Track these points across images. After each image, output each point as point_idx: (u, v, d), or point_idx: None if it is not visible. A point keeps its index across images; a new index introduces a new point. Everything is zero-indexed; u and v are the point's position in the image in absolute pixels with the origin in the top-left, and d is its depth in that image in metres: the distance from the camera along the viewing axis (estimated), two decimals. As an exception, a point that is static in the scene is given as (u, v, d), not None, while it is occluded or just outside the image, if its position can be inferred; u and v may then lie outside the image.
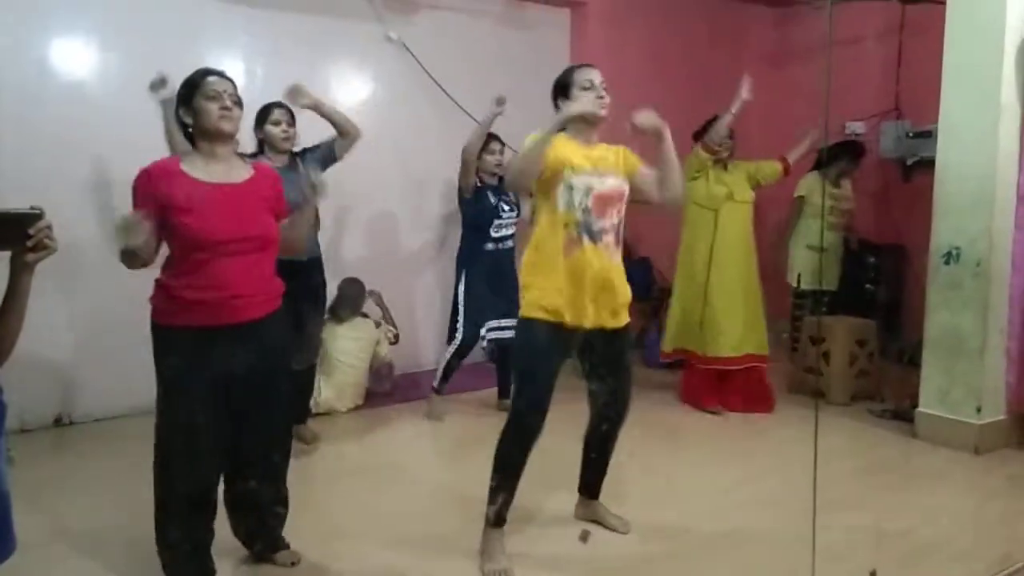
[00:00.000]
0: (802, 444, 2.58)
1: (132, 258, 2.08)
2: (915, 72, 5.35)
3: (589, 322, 2.53)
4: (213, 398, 2.20)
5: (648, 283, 5.60)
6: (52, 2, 3.88)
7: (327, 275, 3.79)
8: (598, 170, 2.54)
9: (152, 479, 2.26)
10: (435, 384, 4.18)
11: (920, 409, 3.84)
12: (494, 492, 2.57)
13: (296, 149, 3.57)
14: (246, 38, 4.43)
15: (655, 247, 5.58)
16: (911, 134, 5.31)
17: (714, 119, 4.27)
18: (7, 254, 1.52)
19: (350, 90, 4.85)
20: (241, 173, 2.26)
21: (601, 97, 2.56)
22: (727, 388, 4.30)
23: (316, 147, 3.62)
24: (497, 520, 2.58)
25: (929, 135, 4.70)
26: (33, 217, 1.50)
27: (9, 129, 3.74)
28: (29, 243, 1.49)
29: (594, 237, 2.51)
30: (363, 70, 4.88)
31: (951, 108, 3.70)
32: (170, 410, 2.21)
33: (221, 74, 2.23)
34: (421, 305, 5.20)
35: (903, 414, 4.06)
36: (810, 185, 4.92)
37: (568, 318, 2.50)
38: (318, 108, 3.53)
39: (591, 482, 2.91)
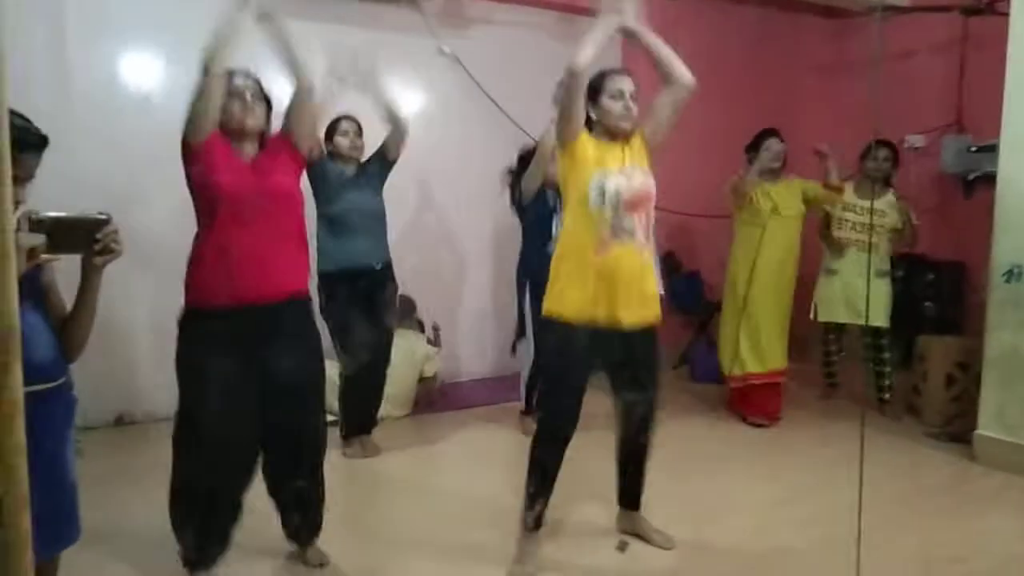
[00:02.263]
0: (855, 463, 2.54)
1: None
2: (977, 85, 5.21)
3: (623, 321, 2.53)
4: (244, 386, 2.25)
5: (696, 297, 5.54)
6: (124, 16, 4.07)
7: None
8: (626, 170, 2.54)
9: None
10: (523, 407, 4.14)
11: (978, 431, 3.73)
12: (530, 497, 2.60)
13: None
14: (306, 53, 4.55)
15: (704, 262, 5.54)
16: (973, 148, 5.16)
17: (764, 133, 4.24)
18: (78, 257, 1.61)
19: (404, 104, 4.90)
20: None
21: (628, 108, 2.56)
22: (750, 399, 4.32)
23: (371, 160, 3.71)
24: (535, 524, 2.61)
25: (991, 150, 4.54)
26: (101, 222, 1.59)
27: (83, 139, 3.92)
28: (97, 247, 1.58)
29: (625, 236, 2.51)
30: (416, 84, 4.97)
31: (1014, 122, 3.60)
32: (202, 401, 2.24)
33: (245, 72, 2.31)
34: (465, 316, 5.25)
35: (961, 436, 3.94)
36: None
37: (602, 319, 2.51)
38: (368, 86, 3.55)
39: (628, 492, 2.89)
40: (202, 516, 2.33)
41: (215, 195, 2.22)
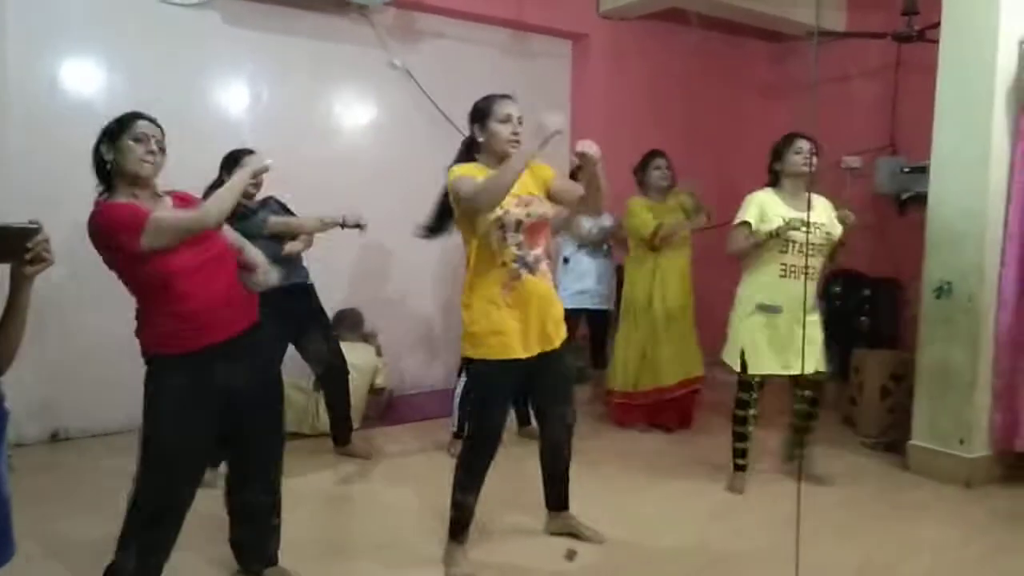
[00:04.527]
0: (792, 472, 2.62)
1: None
2: (910, 109, 5.43)
3: (538, 348, 2.64)
4: (208, 420, 2.25)
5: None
6: (63, 22, 3.98)
7: (321, 300, 3.86)
8: (523, 200, 2.59)
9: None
10: (455, 430, 4.09)
11: (911, 441, 3.86)
12: (456, 511, 2.70)
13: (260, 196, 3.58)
14: (252, 63, 4.52)
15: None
16: (906, 169, 5.37)
17: (651, 155, 4.43)
18: (6, 268, 1.57)
19: (353, 116, 4.94)
20: (166, 203, 2.29)
21: (516, 132, 2.60)
22: (660, 409, 4.46)
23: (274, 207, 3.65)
24: (461, 535, 2.71)
25: (923, 171, 4.73)
26: (31, 231, 1.55)
27: (19, 145, 3.81)
28: (28, 256, 1.54)
29: (531, 268, 2.60)
30: (367, 96, 4.96)
31: (943, 145, 3.76)
32: (165, 435, 2.23)
33: (152, 120, 2.25)
34: (409, 329, 5.24)
35: (895, 446, 4.07)
36: (760, 203, 3.41)
37: (519, 352, 2.60)
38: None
39: (556, 495, 2.98)
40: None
41: (160, 270, 2.16)
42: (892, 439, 4.18)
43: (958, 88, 3.69)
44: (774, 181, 3.49)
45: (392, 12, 4.89)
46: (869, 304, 5.64)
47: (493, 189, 2.45)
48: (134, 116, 2.23)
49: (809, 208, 3.28)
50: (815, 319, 3.46)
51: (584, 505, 3.06)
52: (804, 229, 3.24)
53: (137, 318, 2.27)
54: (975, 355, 3.64)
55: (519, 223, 2.55)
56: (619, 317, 4.56)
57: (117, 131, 2.21)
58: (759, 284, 3.42)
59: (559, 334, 2.73)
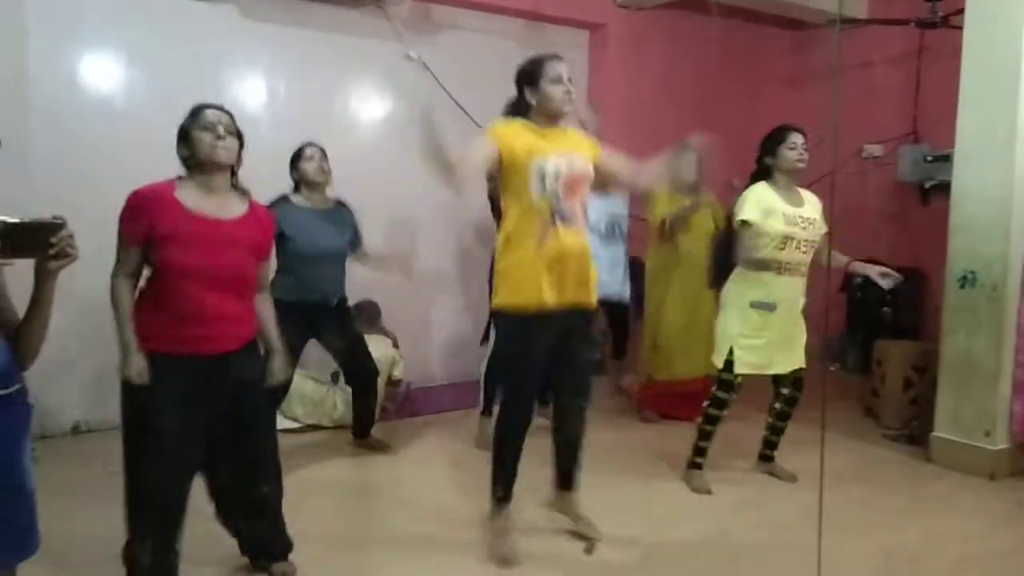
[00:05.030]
0: (814, 465, 2.59)
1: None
2: (933, 96, 5.34)
3: (571, 300, 2.61)
4: (189, 423, 2.22)
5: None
6: (83, 19, 4.00)
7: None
8: (565, 153, 2.57)
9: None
10: (481, 408, 4.11)
11: (934, 433, 3.82)
12: (498, 475, 2.70)
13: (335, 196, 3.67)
14: (268, 56, 4.53)
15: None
16: (929, 158, 5.29)
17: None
18: (31, 263, 1.58)
19: (370, 108, 4.94)
20: (234, 210, 2.29)
21: (569, 92, 2.58)
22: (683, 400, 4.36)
23: (345, 214, 3.70)
24: (505, 496, 2.70)
25: (947, 159, 4.67)
26: (55, 226, 1.55)
27: (41, 142, 3.84)
28: (52, 251, 1.55)
29: (567, 220, 2.57)
30: (383, 89, 4.96)
31: (967, 132, 3.70)
32: (145, 434, 2.22)
33: (218, 107, 2.28)
34: (434, 322, 5.25)
35: (918, 438, 4.03)
36: (761, 199, 3.23)
37: (550, 302, 2.56)
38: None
39: (564, 472, 2.92)
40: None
41: (173, 268, 2.19)
42: (915, 431, 4.14)
43: (982, 74, 3.62)
44: (765, 174, 3.31)
45: (407, 4, 4.87)
46: (891, 295, 5.57)
47: (459, 177, 2.50)
48: (200, 108, 2.26)
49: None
50: (802, 318, 3.36)
51: (601, 497, 3.05)
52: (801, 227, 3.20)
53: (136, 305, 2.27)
54: (999, 346, 3.59)
55: (558, 174, 2.54)
56: (643, 307, 4.52)
57: (187, 126, 2.25)
58: (754, 281, 3.25)
59: (592, 294, 2.69)
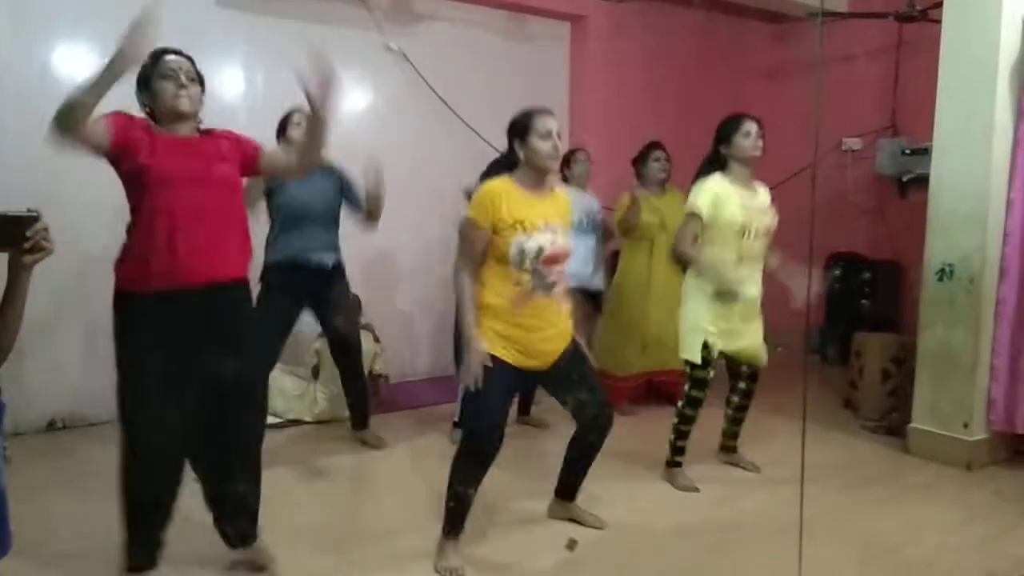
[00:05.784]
0: (794, 456, 2.59)
1: (80, 109, 2.07)
2: (911, 90, 5.40)
3: (540, 363, 2.62)
4: (179, 377, 2.17)
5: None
6: (53, 9, 3.92)
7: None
8: (549, 226, 2.56)
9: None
10: (456, 418, 4.06)
11: (912, 424, 3.86)
12: (451, 510, 2.64)
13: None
14: (246, 46, 4.47)
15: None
16: (907, 151, 5.34)
17: (650, 147, 4.41)
18: (4, 256, 1.55)
19: (350, 100, 4.88)
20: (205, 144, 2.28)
21: (557, 148, 2.57)
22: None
23: (337, 175, 3.67)
24: (455, 530, 2.65)
25: (925, 152, 4.71)
26: (30, 219, 1.52)
27: (10, 134, 3.77)
28: (26, 245, 1.52)
29: (547, 289, 2.57)
30: (363, 80, 4.91)
31: (945, 125, 3.72)
32: (135, 391, 2.18)
33: (177, 52, 2.23)
34: (417, 316, 5.22)
35: (896, 429, 4.07)
36: (715, 190, 3.19)
37: (518, 363, 2.57)
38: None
39: (570, 484, 2.95)
40: (133, 514, 2.27)
41: (144, 178, 2.15)
42: (893, 422, 4.18)
43: (961, 68, 3.64)
44: (720, 164, 3.26)
45: (388, -6, 4.84)
46: (870, 287, 5.64)
47: (456, 287, 2.56)
48: (160, 52, 2.20)
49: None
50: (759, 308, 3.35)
51: (586, 488, 3.04)
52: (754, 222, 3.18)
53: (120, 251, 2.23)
54: (977, 338, 3.63)
55: (540, 250, 2.52)
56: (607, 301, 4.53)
57: (147, 75, 2.20)
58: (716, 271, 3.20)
59: (566, 343, 2.69)
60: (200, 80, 2.27)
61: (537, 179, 2.59)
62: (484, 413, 2.57)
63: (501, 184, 2.56)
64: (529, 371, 2.62)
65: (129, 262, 2.20)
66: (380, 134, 4.90)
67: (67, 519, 2.92)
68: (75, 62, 4.01)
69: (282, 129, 3.56)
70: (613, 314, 4.52)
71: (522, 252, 2.50)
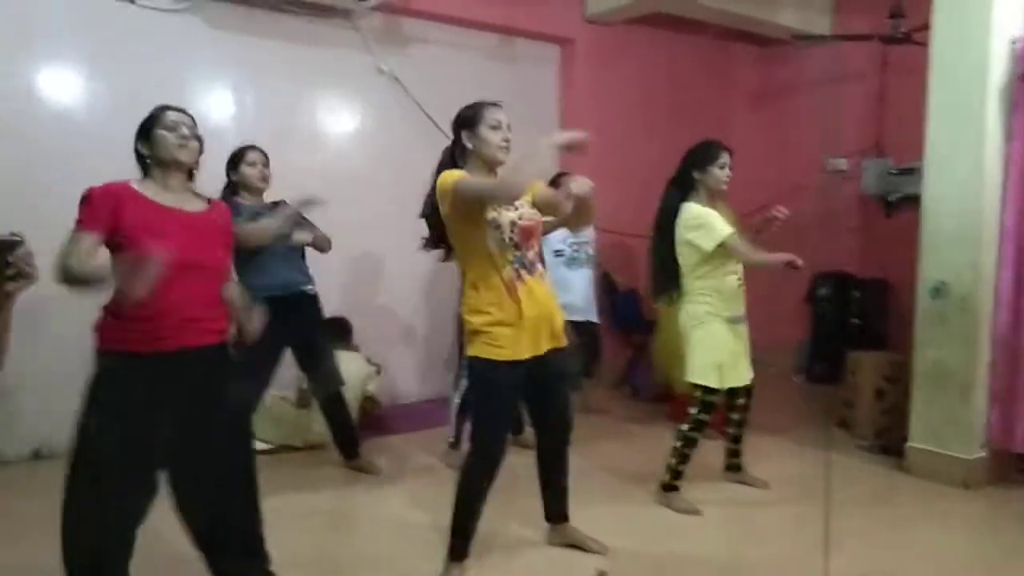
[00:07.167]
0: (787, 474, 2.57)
1: (90, 285, 1.99)
2: (897, 110, 5.46)
3: (545, 346, 2.61)
4: (152, 438, 2.10)
5: (634, 316, 5.59)
6: (41, 31, 3.88)
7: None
8: (512, 205, 2.56)
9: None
10: (451, 439, 4.02)
11: (909, 444, 3.84)
12: (458, 528, 2.62)
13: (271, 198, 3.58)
14: (236, 69, 4.44)
15: (642, 281, 5.58)
16: (893, 171, 5.39)
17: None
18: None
19: (340, 121, 4.87)
20: (195, 205, 2.23)
21: (507, 139, 2.55)
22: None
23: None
24: (462, 553, 2.63)
25: (911, 172, 4.76)
26: (13, 244, 1.47)
27: (-4, 156, 3.71)
28: (9, 272, 1.46)
29: (529, 269, 2.57)
30: (353, 101, 4.90)
31: (936, 145, 3.75)
32: (99, 446, 2.13)
33: (181, 110, 2.24)
34: (400, 337, 5.17)
35: (892, 448, 4.05)
36: (714, 214, 3.27)
37: (527, 350, 2.55)
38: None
39: (555, 505, 2.90)
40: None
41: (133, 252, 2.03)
42: (888, 441, 4.17)
43: (951, 88, 3.68)
44: (688, 187, 3.28)
45: (379, 17, 4.83)
46: (858, 306, 5.66)
47: (512, 184, 2.41)
48: (163, 108, 2.22)
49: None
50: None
51: (589, 514, 3.00)
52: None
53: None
54: (971, 356, 3.63)
55: (513, 224, 2.52)
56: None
57: (148, 126, 2.19)
58: (724, 295, 3.26)
59: (563, 335, 2.70)
60: (200, 139, 2.24)
61: (488, 173, 2.56)
62: (489, 422, 2.60)
63: (460, 173, 2.54)
64: (529, 363, 2.57)
65: (112, 324, 2.10)
66: (370, 155, 4.89)
67: (50, 551, 2.82)
68: (63, 86, 3.96)
69: (233, 165, 3.50)
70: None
71: (498, 228, 2.49)
